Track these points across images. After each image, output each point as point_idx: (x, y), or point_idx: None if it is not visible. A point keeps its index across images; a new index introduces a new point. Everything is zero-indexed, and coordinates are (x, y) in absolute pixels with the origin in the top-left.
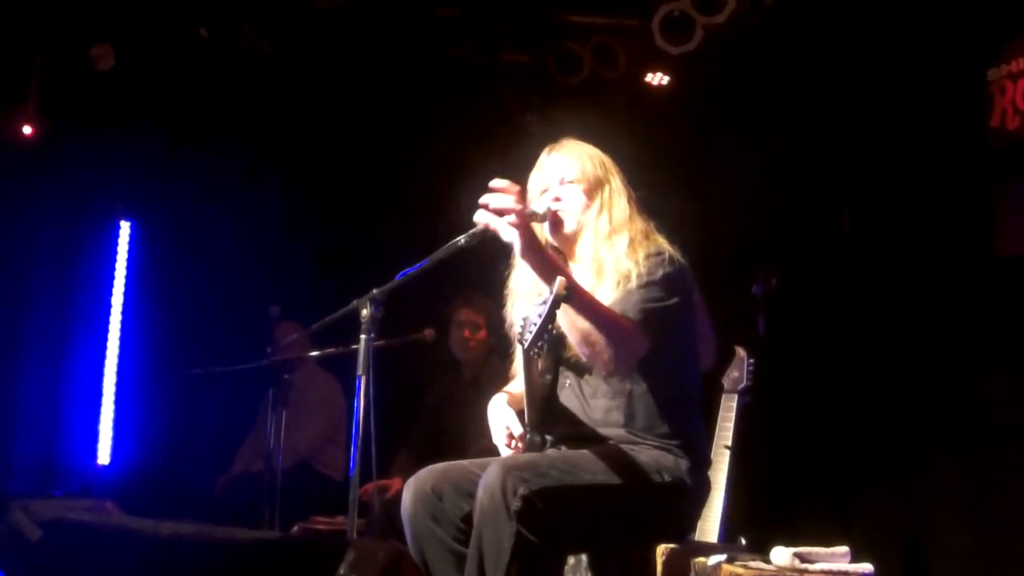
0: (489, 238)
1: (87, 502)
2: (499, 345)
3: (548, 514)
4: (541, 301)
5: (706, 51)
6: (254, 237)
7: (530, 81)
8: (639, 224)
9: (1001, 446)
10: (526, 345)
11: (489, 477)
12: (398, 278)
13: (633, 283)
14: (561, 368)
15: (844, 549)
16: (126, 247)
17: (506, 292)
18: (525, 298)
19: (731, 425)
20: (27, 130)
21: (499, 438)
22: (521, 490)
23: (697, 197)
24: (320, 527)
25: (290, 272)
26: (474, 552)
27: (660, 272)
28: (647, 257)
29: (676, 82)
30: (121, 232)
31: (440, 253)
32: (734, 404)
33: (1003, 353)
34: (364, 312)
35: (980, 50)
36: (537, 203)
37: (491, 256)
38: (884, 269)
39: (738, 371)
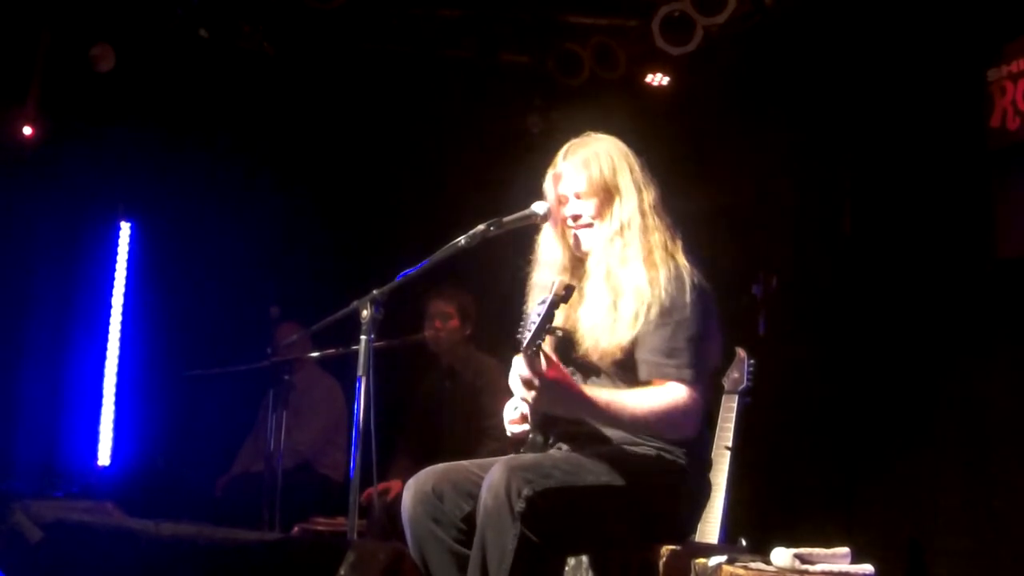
0: (490, 239)
1: (87, 503)
2: (478, 335)
3: (551, 515)
4: (540, 301)
5: (706, 52)
6: (254, 238)
7: (531, 82)
8: (656, 231)
9: (1002, 447)
10: (524, 344)
11: (493, 478)
12: (398, 279)
13: (662, 316)
14: (570, 368)
15: (845, 550)
16: (126, 248)
17: (528, 286)
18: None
19: (731, 426)
20: (27, 131)
21: (510, 411)
22: (525, 491)
23: (697, 198)
24: (320, 528)
25: (290, 273)
26: (477, 553)
27: (687, 302)
28: (668, 281)
29: (676, 83)
30: (121, 233)
31: (440, 254)
32: (734, 405)
33: (1004, 354)
34: (364, 313)
35: (980, 51)
36: (538, 205)
37: (491, 257)
38: (885, 270)
39: (738, 372)
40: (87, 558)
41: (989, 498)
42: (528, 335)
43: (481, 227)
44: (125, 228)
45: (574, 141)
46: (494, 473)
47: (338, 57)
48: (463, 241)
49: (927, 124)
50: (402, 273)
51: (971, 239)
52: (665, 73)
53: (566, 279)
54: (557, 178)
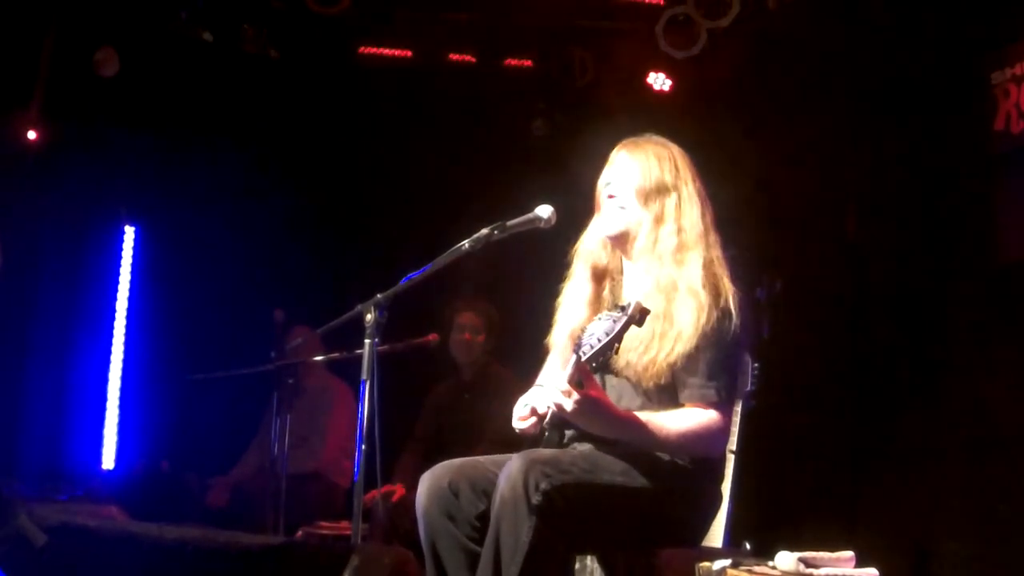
0: (493, 243)
1: (91, 507)
2: (497, 348)
3: (567, 511)
4: (612, 318)
5: (710, 55)
6: (258, 242)
7: (534, 86)
8: (713, 246)
9: (1006, 450)
10: (584, 358)
11: (512, 469)
12: (402, 282)
13: (709, 337)
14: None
15: (849, 554)
16: (130, 252)
17: (559, 301)
18: (575, 307)
19: (736, 429)
20: (31, 135)
21: (520, 409)
22: (543, 485)
23: None
24: (324, 532)
25: (294, 277)
26: (490, 544)
27: (733, 325)
28: (718, 300)
29: (679, 86)
30: (125, 237)
31: (444, 257)
32: (738, 408)
33: (1008, 357)
34: (368, 317)
35: (984, 53)
36: (542, 209)
37: (495, 260)
38: (888, 273)
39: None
40: (91, 562)
41: (993, 502)
42: (591, 350)
43: (485, 231)
44: (129, 232)
45: (634, 140)
46: (512, 464)
47: (342, 61)
48: (467, 245)
49: (930, 127)
50: (406, 277)
51: (974, 243)
52: (669, 76)
53: (642, 301)
54: (609, 164)
